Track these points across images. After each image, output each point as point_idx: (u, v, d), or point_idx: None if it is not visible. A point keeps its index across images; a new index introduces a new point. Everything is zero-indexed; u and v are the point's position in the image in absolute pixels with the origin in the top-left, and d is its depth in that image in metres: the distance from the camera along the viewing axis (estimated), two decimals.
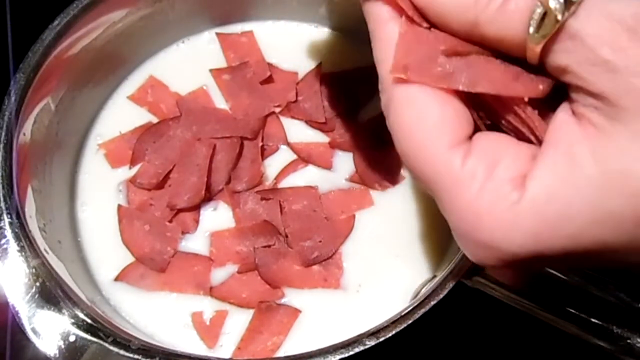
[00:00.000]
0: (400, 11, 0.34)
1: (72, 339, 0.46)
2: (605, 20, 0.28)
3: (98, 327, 0.46)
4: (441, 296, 0.46)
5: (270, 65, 0.65)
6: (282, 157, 0.62)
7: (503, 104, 0.33)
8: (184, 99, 0.64)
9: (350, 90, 0.64)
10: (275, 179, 0.60)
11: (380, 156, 0.60)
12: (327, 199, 0.59)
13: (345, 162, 0.61)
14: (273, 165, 0.61)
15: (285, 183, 0.60)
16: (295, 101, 0.63)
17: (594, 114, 0.29)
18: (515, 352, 0.59)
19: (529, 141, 0.33)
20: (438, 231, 0.57)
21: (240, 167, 0.60)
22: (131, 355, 0.45)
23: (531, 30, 0.29)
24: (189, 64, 0.66)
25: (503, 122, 0.34)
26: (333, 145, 0.62)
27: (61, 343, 0.45)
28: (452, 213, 0.33)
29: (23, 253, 0.48)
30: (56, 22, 0.54)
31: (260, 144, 0.61)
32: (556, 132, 0.31)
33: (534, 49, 0.30)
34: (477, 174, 0.31)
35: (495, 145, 0.33)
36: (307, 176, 0.61)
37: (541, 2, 0.29)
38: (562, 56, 0.29)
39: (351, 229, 0.58)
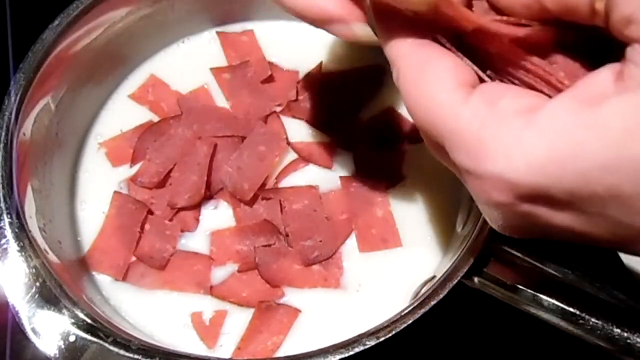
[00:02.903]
0: None
1: (72, 339, 0.46)
2: None
3: (98, 327, 0.46)
4: (441, 296, 0.46)
5: (271, 64, 0.65)
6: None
7: (509, 58, 0.34)
8: (184, 97, 0.64)
9: (350, 89, 0.63)
10: (276, 178, 0.60)
11: (380, 156, 0.60)
12: (327, 199, 0.59)
13: (345, 161, 0.61)
14: None
15: (285, 182, 0.60)
16: (296, 100, 0.63)
17: None
18: (515, 352, 0.59)
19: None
20: (438, 231, 0.57)
21: None
22: (131, 355, 0.45)
23: None
24: (189, 62, 0.66)
25: (512, 79, 0.34)
26: (333, 145, 0.62)
27: (61, 343, 0.46)
28: (457, 151, 0.32)
29: (23, 253, 0.48)
30: (56, 22, 0.55)
31: None
32: (586, 80, 0.30)
33: (599, 3, 0.29)
34: (480, 108, 0.31)
35: (499, 86, 0.33)
36: (308, 176, 0.61)
37: None
38: (624, 6, 0.28)
39: (351, 229, 0.58)
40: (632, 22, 0.28)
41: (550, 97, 0.32)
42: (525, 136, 0.29)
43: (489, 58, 0.34)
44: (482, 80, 0.34)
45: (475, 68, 0.34)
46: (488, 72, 0.34)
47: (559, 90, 0.32)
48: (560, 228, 0.31)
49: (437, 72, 0.33)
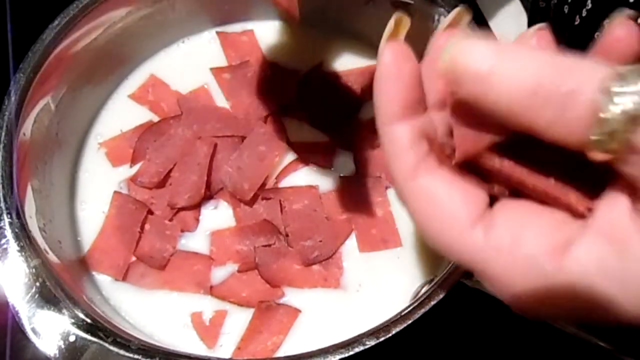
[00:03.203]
0: None
1: (72, 339, 0.46)
2: None
3: (98, 327, 0.46)
4: (441, 296, 0.46)
5: (271, 64, 0.65)
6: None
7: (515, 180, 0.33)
8: (184, 97, 0.64)
9: (350, 89, 0.63)
10: (276, 178, 0.60)
11: (380, 156, 0.60)
12: (327, 199, 0.59)
13: (345, 161, 0.61)
14: None
15: (285, 182, 0.60)
16: (296, 100, 0.63)
17: None
18: (515, 352, 0.58)
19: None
20: None
21: None
22: (131, 355, 0.45)
23: (594, 141, 0.27)
24: (189, 62, 0.66)
25: (527, 192, 0.33)
26: (333, 145, 0.62)
27: (61, 343, 0.45)
28: (489, 284, 0.33)
29: (23, 253, 0.48)
30: (56, 22, 0.55)
31: None
32: (603, 216, 0.30)
33: (600, 158, 0.28)
34: (504, 247, 0.31)
35: (518, 213, 0.33)
36: (308, 175, 0.61)
37: (604, 122, 0.27)
38: (630, 168, 0.28)
39: (351, 229, 0.58)
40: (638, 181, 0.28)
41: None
42: (556, 282, 0.30)
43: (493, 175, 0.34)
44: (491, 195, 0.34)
45: (491, 189, 0.34)
46: (496, 188, 0.34)
47: (571, 209, 0.32)
48: None
49: (450, 209, 0.33)
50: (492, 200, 0.34)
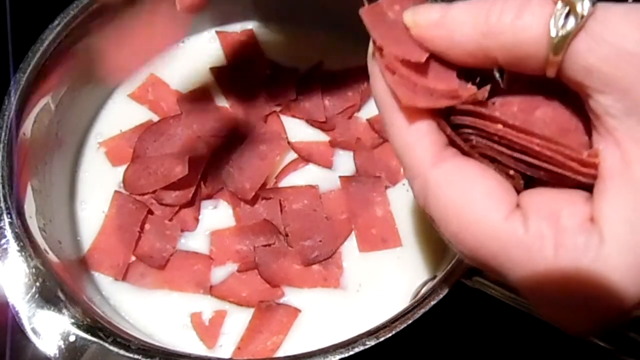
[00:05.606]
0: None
1: (72, 339, 0.46)
2: (623, 17, 0.28)
3: (98, 327, 0.46)
4: (441, 296, 0.46)
5: (271, 64, 0.65)
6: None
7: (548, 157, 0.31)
8: (184, 97, 0.64)
9: (350, 89, 0.63)
10: (276, 178, 0.60)
11: (380, 155, 0.60)
12: (327, 199, 0.59)
13: (345, 161, 0.61)
14: None
15: (285, 182, 0.60)
16: (296, 100, 0.63)
17: (628, 121, 0.29)
18: (515, 352, 0.59)
19: (566, 186, 0.32)
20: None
21: None
22: (131, 355, 0.45)
23: (553, 32, 0.29)
24: (189, 62, 0.66)
25: (542, 173, 0.32)
26: (333, 144, 0.62)
27: (61, 343, 0.45)
28: (532, 283, 0.30)
29: (23, 253, 0.48)
30: (56, 22, 0.55)
31: None
32: (602, 162, 0.30)
33: (556, 54, 0.29)
34: (545, 233, 0.29)
35: (544, 199, 0.31)
36: (308, 175, 0.61)
37: (566, 2, 0.28)
38: (585, 56, 0.28)
39: (351, 229, 0.58)
40: (592, 73, 0.29)
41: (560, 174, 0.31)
42: (608, 251, 0.29)
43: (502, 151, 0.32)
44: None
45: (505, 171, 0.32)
46: (512, 172, 0.32)
47: (580, 169, 0.31)
48: None
49: (488, 198, 0.30)
50: None
